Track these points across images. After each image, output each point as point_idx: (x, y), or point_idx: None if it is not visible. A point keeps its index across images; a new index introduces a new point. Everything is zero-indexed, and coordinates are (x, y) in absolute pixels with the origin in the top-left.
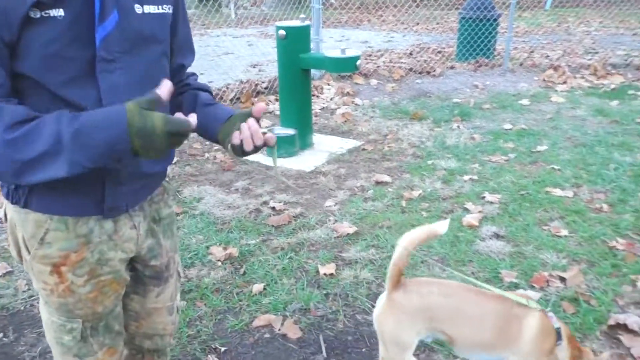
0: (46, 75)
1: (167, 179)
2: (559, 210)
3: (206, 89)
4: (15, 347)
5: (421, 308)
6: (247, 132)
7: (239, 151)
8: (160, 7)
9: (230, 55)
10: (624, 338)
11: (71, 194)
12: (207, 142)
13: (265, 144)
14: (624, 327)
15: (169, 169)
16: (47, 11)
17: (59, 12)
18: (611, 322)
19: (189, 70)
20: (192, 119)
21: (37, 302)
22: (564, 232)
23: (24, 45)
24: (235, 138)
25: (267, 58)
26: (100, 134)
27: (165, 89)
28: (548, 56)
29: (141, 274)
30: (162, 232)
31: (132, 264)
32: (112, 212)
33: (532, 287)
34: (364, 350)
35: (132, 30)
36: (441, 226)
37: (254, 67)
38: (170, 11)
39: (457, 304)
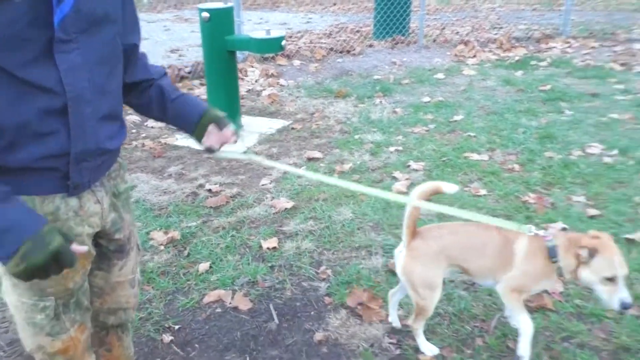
0: (5, 57)
1: (120, 156)
2: (477, 173)
3: (164, 73)
4: None
5: (439, 249)
6: (214, 137)
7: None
8: None
9: (147, 41)
10: None
11: (36, 174)
12: (134, 130)
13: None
14: None
15: None
16: None
17: None
18: None
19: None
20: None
21: None
22: (483, 192)
23: None
24: (207, 142)
25: (187, 43)
26: (5, 227)
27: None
28: (458, 32)
29: (105, 249)
30: (122, 206)
31: (96, 240)
32: (77, 189)
33: None
34: (312, 313)
35: (87, 10)
36: (450, 187)
37: (173, 52)
38: None
39: (463, 239)
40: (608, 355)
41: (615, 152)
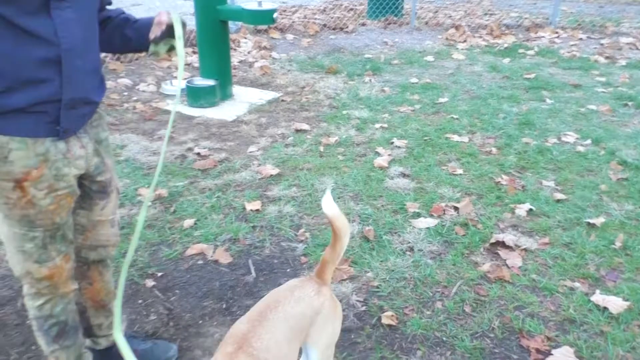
0: (6, 7)
1: (100, 108)
2: (456, 153)
3: (122, 12)
4: None
5: None
6: (155, 27)
7: (158, 42)
8: None
9: (140, 7)
10: (502, 252)
11: (30, 117)
12: (126, 92)
13: (168, 26)
14: (502, 244)
15: None
16: None
17: None
18: (492, 240)
19: None
20: None
21: None
22: (459, 171)
23: None
24: (151, 35)
25: (180, 11)
26: None
27: None
28: (451, 16)
29: (88, 190)
30: (104, 152)
31: (80, 181)
32: (65, 134)
33: (432, 216)
34: (288, 270)
35: None
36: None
37: None
38: None
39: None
40: (554, 325)
41: (588, 141)
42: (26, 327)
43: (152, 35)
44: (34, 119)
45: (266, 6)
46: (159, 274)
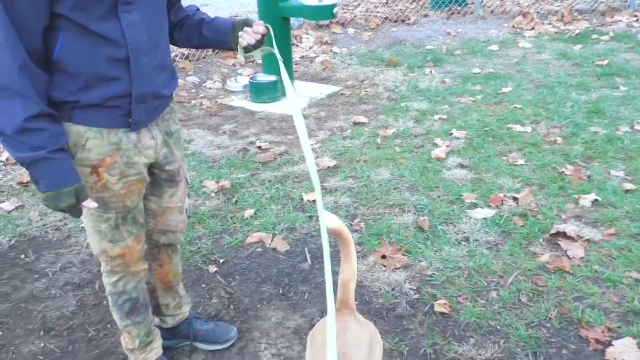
0: (78, 13)
1: (173, 102)
2: (518, 144)
3: (197, 9)
4: (36, 265)
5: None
6: (246, 35)
7: (250, 49)
8: None
9: (208, 7)
10: (562, 243)
11: (105, 110)
12: (193, 90)
13: (263, 36)
14: (564, 235)
15: None
16: None
17: None
18: (553, 231)
19: None
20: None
21: (51, 229)
22: (521, 162)
23: None
24: (243, 42)
25: (247, 9)
26: (47, 173)
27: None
28: (519, 3)
29: (158, 178)
30: (173, 144)
31: (151, 169)
32: (137, 126)
33: (489, 206)
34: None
35: None
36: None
37: (233, 17)
38: None
39: None
40: (617, 317)
41: None
42: (103, 307)
43: (244, 42)
44: (109, 112)
45: (326, 2)
46: (221, 261)
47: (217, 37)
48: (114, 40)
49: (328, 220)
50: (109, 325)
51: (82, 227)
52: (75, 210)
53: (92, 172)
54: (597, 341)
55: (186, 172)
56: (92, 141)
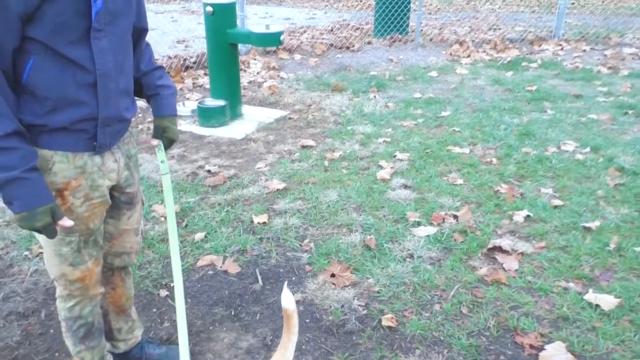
0: (54, 38)
1: (130, 126)
2: (457, 164)
3: (157, 67)
4: None
5: None
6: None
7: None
8: None
9: (155, 32)
10: (499, 257)
11: (71, 134)
12: (140, 114)
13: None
14: (500, 249)
15: None
16: None
17: None
18: (490, 245)
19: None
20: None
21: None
22: (460, 181)
23: (39, 15)
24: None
25: (193, 34)
26: (21, 193)
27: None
28: (456, 32)
29: (117, 200)
30: (133, 167)
31: (111, 192)
32: (101, 149)
33: (432, 224)
34: (293, 278)
35: (113, 6)
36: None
37: (180, 43)
38: None
39: None
40: (548, 323)
41: (587, 149)
42: (49, 335)
43: (155, 142)
44: (75, 136)
45: (273, 29)
46: (172, 284)
47: (152, 107)
48: (83, 66)
49: (286, 300)
50: (56, 354)
51: (26, 255)
52: (50, 230)
53: (57, 196)
54: (531, 346)
55: (142, 194)
56: (58, 165)
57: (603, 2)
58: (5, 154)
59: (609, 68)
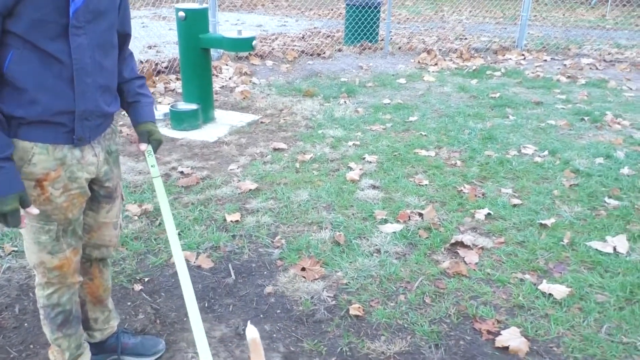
0: (32, 33)
1: (114, 123)
2: (423, 166)
3: (137, 77)
4: None
5: None
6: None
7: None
8: None
9: None
10: (461, 251)
11: (50, 127)
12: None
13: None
14: (461, 244)
15: None
16: None
17: None
18: (452, 241)
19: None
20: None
21: None
22: (425, 182)
23: (18, 11)
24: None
25: (164, 40)
26: None
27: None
28: (424, 41)
29: (97, 194)
30: (113, 162)
31: (91, 185)
32: (80, 142)
33: (398, 222)
34: (265, 272)
35: (94, 6)
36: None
37: (151, 48)
38: None
39: None
40: (505, 311)
41: (545, 153)
42: (24, 329)
43: (144, 147)
44: (54, 129)
45: (245, 34)
46: (146, 279)
47: (130, 115)
48: (61, 60)
49: (249, 332)
50: (31, 346)
51: None
52: (16, 218)
53: (37, 186)
54: (489, 332)
55: (122, 189)
56: (38, 156)
57: (564, 15)
58: None
59: (568, 77)
